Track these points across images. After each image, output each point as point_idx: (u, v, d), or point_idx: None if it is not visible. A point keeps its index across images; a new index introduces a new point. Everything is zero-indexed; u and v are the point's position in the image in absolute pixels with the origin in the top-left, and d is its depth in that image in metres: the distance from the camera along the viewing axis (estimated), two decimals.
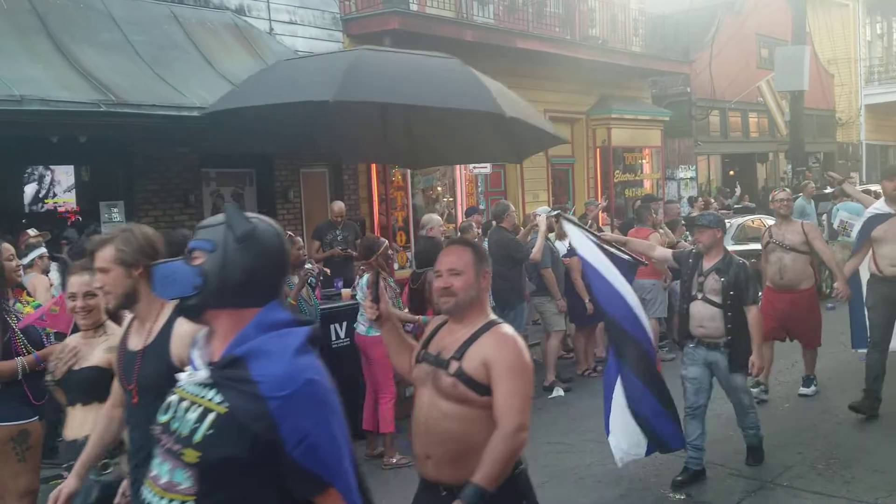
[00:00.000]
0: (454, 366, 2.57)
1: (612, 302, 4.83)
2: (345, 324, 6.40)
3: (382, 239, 6.43)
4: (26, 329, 3.84)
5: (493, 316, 2.72)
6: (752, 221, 11.82)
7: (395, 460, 5.80)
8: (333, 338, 6.35)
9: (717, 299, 5.13)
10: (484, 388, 2.52)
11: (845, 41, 25.26)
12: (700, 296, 5.20)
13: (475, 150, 4.16)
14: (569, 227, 5.20)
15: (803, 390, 7.03)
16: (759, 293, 5.48)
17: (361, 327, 5.86)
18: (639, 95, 17.39)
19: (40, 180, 8.60)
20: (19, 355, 3.80)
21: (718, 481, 5.23)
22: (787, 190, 7.36)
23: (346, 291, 6.78)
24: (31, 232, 6.27)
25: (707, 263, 5.23)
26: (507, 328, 2.66)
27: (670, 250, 5.84)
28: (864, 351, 6.53)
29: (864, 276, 6.55)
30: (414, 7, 11.60)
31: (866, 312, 6.48)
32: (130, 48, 7.88)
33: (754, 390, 6.47)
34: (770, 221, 11.99)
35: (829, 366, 7.60)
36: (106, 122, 6.93)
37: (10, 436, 3.73)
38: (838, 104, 25.24)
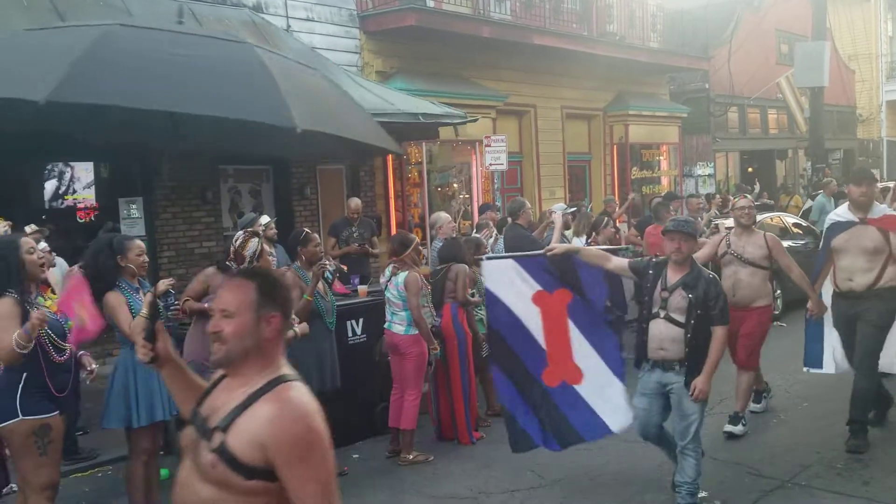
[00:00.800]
0: (217, 439, 1.97)
1: (511, 332, 4.94)
2: (361, 320, 6.41)
3: (413, 235, 6.45)
4: (50, 322, 3.89)
5: (282, 371, 2.09)
6: (771, 219, 11.73)
7: (412, 457, 5.81)
8: (350, 334, 6.36)
9: (681, 318, 4.50)
10: (252, 471, 1.94)
11: (866, 37, 24.98)
12: (662, 313, 4.54)
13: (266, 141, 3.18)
14: (488, 267, 5.15)
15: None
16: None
17: (398, 327, 5.85)
18: (656, 92, 17.30)
19: (60, 177, 8.69)
20: (43, 348, 3.84)
21: (735, 480, 5.20)
22: (749, 197, 6.49)
23: (362, 288, 6.80)
24: (28, 229, 6.27)
25: (673, 276, 4.57)
26: (295, 390, 2.03)
27: (627, 260, 5.16)
28: (818, 371, 6.17)
29: (829, 292, 5.94)
30: (431, 3, 11.60)
31: (836, 334, 5.89)
32: None
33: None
34: (790, 219, 11.92)
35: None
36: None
37: (32, 429, 3.78)
38: (859, 100, 24.98)
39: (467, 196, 12.86)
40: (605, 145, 15.94)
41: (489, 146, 11.42)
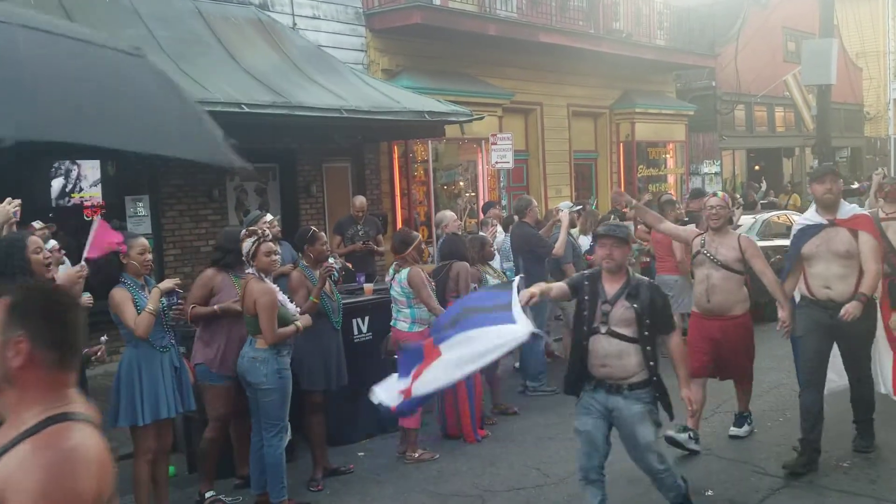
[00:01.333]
0: None
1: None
2: (367, 318, 6.42)
3: (416, 233, 6.46)
4: None
5: (65, 408, 1.68)
6: (778, 217, 11.69)
7: (417, 455, 5.81)
8: (356, 332, 6.37)
9: (629, 331, 4.10)
10: None
11: (874, 34, 24.88)
12: (604, 328, 4.12)
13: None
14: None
15: (734, 430, 5.95)
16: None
17: (402, 324, 5.86)
18: (663, 90, 17.25)
19: (67, 175, 8.71)
20: None
21: (742, 479, 5.19)
22: (721, 194, 5.87)
23: (367, 286, 6.80)
24: (37, 224, 6.29)
25: (611, 287, 4.17)
26: (69, 434, 1.63)
27: (565, 286, 4.48)
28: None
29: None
30: (437, 1, 11.59)
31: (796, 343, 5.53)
32: (155, 43, 7.95)
33: (682, 436, 5.56)
34: (797, 217, 11.86)
35: None
36: None
37: None
38: (866, 98, 24.88)
39: (473, 194, 12.85)
40: (612, 143, 15.91)
41: (495, 144, 11.41)
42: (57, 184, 8.64)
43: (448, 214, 8.08)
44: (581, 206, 9.28)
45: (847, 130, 23.38)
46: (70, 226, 7.93)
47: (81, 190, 8.76)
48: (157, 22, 8.19)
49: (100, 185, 8.90)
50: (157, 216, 8.83)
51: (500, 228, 8.81)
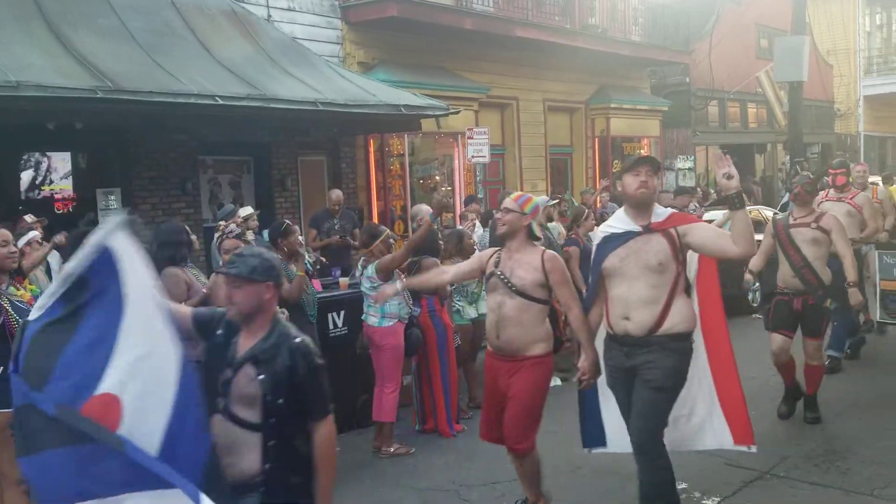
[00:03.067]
0: None
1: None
2: (342, 313, 6.39)
3: (383, 227, 6.43)
4: (21, 310, 3.84)
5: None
6: (750, 212, 11.79)
7: (392, 449, 5.81)
8: (331, 326, 6.34)
9: (250, 414, 2.77)
10: None
11: (845, 32, 25.20)
12: (222, 403, 2.80)
13: None
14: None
15: None
16: (329, 402, 2.91)
17: (372, 319, 5.83)
18: (638, 85, 17.35)
19: (37, 167, 8.57)
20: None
21: (715, 471, 5.24)
22: (516, 194, 4.43)
23: (343, 280, 6.77)
24: (29, 218, 6.25)
25: (245, 343, 2.85)
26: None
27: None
28: (602, 450, 4.59)
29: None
30: None
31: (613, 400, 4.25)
32: (128, 34, 7.83)
33: None
34: (769, 213, 11.96)
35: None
36: (102, 108, 6.89)
37: (10, 422, 3.73)
38: (837, 95, 25.22)
39: (449, 188, 12.84)
40: (587, 138, 15.98)
41: (471, 138, 11.41)
42: (27, 176, 8.50)
43: (424, 208, 8.06)
44: (557, 200, 9.35)
45: (818, 127, 23.69)
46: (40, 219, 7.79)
47: (52, 182, 8.63)
48: (129, 12, 8.07)
49: (71, 178, 8.77)
50: (130, 209, 8.71)
51: (478, 224, 8.82)
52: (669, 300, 3.87)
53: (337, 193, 8.95)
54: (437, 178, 12.86)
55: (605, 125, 15.96)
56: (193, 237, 5.38)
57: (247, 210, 7.68)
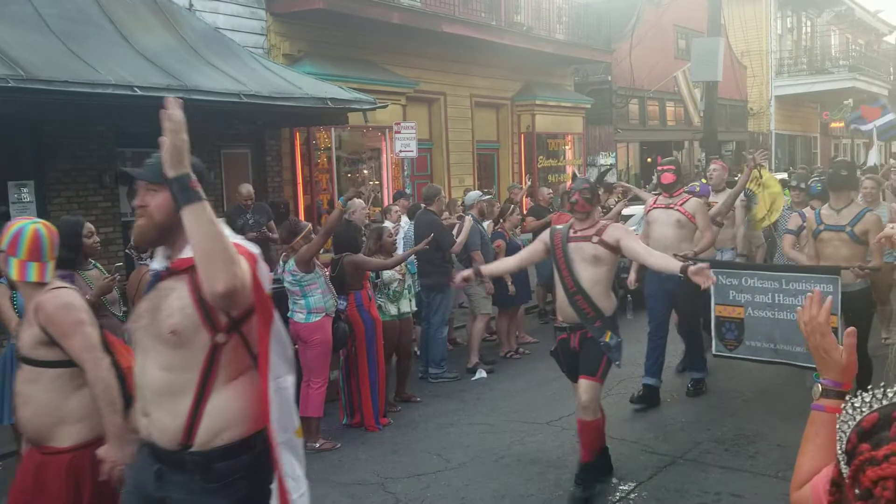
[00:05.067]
0: None
1: None
2: None
3: (305, 222, 6.39)
4: None
5: None
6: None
7: (318, 445, 5.80)
8: None
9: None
10: None
11: (758, 34, 26.23)
12: None
13: None
14: None
15: None
16: None
17: (298, 315, 5.81)
18: (562, 83, 17.69)
19: None
20: None
21: (631, 458, 5.44)
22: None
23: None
24: None
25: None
26: None
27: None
28: None
29: None
30: None
31: None
32: (41, 22, 7.54)
33: None
34: None
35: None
36: (14, 98, 6.63)
37: None
38: (750, 95, 26.23)
39: (377, 182, 12.83)
40: (513, 134, 16.20)
41: (399, 133, 11.43)
42: None
43: (356, 202, 8.06)
44: (490, 196, 9.50)
45: (732, 125, 24.60)
46: None
47: None
48: None
49: None
50: (44, 203, 8.40)
51: (405, 218, 8.85)
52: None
53: (248, 188, 8.79)
54: (365, 172, 12.83)
55: (530, 121, 16.21)
56: (95, 239, 5.08)
57: None
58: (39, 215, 8.19)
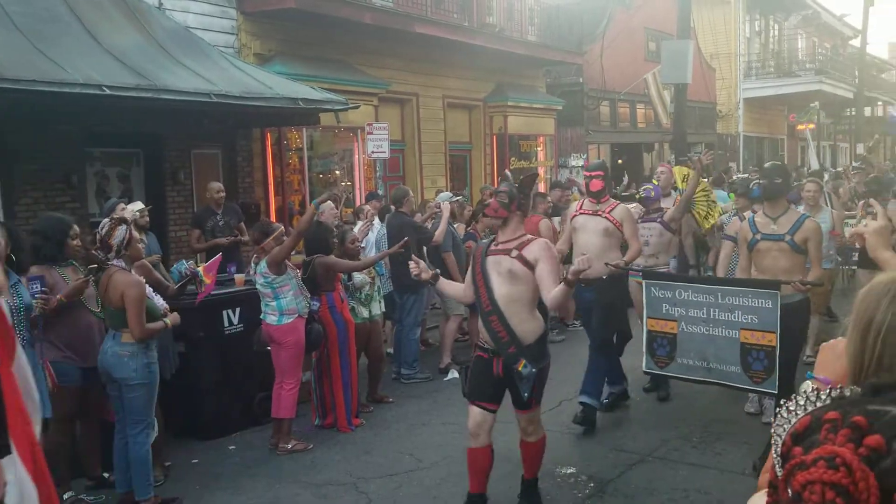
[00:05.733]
0: None
1: None
2: (238, 310, 6.31)
3: (277, 223, 6.38)
4: None
5: None
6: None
7: (290, 446, 5.80)
8: (226, 324, 6.25)
9: None
10: None
11: (726, 37, 26.59)
12: None
13: None
14: None
15: None
16: None
17: (271, 317, 5.79)
18: (534, 84, 17.78)
19: None
20: None
21: (601, 456, 5.51)
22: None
23: (238, 277, 6.68)
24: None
25: None
26: None
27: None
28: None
29: None
30: None
31: None
32: (7, 19, 7.43)
33: None
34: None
35: None
36: None
37: None
38: (719, 97, 26.57)
39: (349, 183, 12.81)
40: (486, 135, 16.26)
41: (371, 133, 11.42)
42: None
43: (326, 203, 8.03)
44: (461, 197, 9.53)
45: (701, 127, 24.91)
46: None
47: None
48: None
49: None
50: (10, 203, 8.27)
51: (377, 220, 8.85)
52: None
53: (217, 186, 8.67)
54: (337, 172, 12.80)
55: (502, 123, 16.28)
56: (79, 242, 5.12)
57: (138, 205, 7.43)
58: (5, 217, 8.08)
